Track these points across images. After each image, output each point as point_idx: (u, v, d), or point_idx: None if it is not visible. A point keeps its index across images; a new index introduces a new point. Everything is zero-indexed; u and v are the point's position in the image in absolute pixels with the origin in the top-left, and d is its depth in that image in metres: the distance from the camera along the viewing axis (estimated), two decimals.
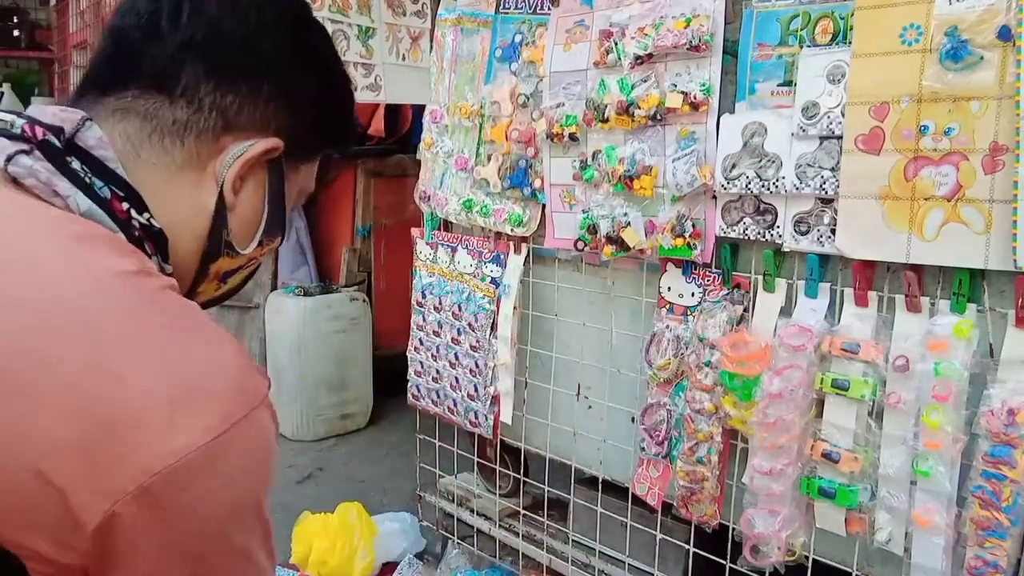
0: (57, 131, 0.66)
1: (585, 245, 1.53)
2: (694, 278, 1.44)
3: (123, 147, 0.70)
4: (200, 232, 0.74)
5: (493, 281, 1.78)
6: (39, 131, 0.65)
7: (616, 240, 1.47)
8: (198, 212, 0.73)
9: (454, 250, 1.88)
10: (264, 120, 0.74)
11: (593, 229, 1.51)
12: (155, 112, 0.71)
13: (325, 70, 0.80)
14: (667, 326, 1.47)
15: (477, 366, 1.84)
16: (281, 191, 0.79)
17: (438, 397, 1.98)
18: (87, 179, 0.66)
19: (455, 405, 1.93)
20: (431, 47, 1.94)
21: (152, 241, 0.69)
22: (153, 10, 0.71)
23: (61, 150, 0.65)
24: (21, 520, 0.55)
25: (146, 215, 0.69)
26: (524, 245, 1.74)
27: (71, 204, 0.65)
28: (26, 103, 4.59)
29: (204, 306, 0.80)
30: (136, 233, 0.68)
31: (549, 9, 1.62)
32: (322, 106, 0.80)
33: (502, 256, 1.77)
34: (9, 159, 0.64)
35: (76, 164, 0.66)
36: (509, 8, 1.73)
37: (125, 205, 0.67)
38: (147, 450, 0.56)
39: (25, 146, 0.64)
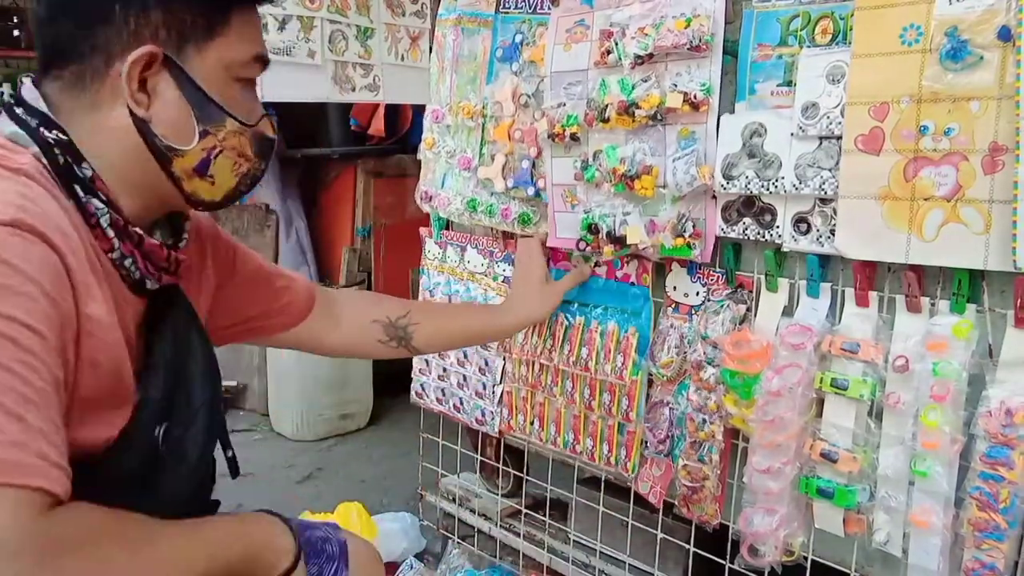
0: (11, 95, 0.93)
1: (587, 245, 1.53)
2: (699, 278, 1.44)
3: (54, 104, 0.91)
4: (140, 149, 0.93)
5: (506, 280, 1.78)
6: (8, 96, 0.93)
7: (617, 240, 1.47)
8: (124, 132, 0.92)
9: (463, 249, 1.88)
10: (134, 37, 0.89)
11: (595, 229, 1.51)
12: (61, 76, 0.91)
13: None
14: (671, 324, 1.47)
15: (487, 364, 1.85)
16: (191, 81, 0.92)
17: (443, 395, 1.98)
18: (24, 117, 0.89)
19: (461, 403, 1.93)
20: (431, 47, 1.94)
21: (66, 149, 0.89)
22: (35, 4, 0.93)
23: (10, 104, 0.91)
24: None
25: (55, 132, 0.89)
26: None
27: (3, 130, 0.89)
28: None
29: (227, 200, 1.01)
30: (56, 151, 0.88)
31: (549, 9, 1.62)
32: None
33: (512, 256, 1.77)
34: None
35: (19, 110, 0.90)
36: (509, 8, 1.73)
37: (43, 130, 0.88)
38: None
39: None
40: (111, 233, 0.91)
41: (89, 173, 0.91)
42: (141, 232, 0.94)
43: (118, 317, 0.90)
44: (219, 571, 0.89)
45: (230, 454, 1.14)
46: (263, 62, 0.99)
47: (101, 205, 0.90)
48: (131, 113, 0.91)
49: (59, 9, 0.91)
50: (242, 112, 0.97)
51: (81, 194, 0.89)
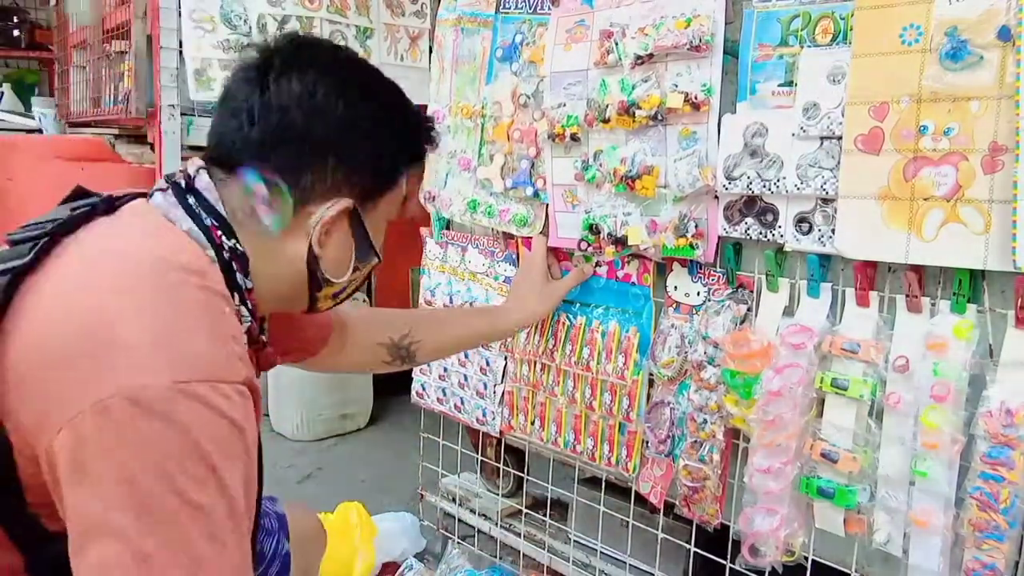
0: (187, 178, 0.94)
1: (588, 245, 1.53)
2: (699, 278, 1.44)
3: (231, 208, 0.94)
4: (301, 275, 0.99)
5: (507, 280, 1.78)
6: (179, 176, 0.95)
7: (619, 240, 1.47)
8: (296, 262, 0.98)
9: (464, 249, 1.88)
10: (335, 185, 0.96)
11: (596, 229, 1.51)
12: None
13: (379, 128, 0.99)
14: (672, 324, 1.47)
15: (488, 364, 1.85)
16: (364, 232, 1.01)
17: (444, 395, 1.98)
18: (197, 211, 0.91)
19: (462, 403, 1.93)
20: (431, 47, 1.94)
21: (238, 261, 0.93)
22: (240, 110, 0.93)
23: (184, 190, 0.93)
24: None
25: (233, 240, 0.92)
26: None
27: (179, 225, 0.90)
28: (26, 103, 4.58)
29: (326, 309, 1.08)
30: (226, 254, 0.91)
31: (549, 9, 1.62)
32: (382, 155, 0.99)
33: (514, 256, 1.77)
34: (151, 195, 0.94)
35: (191, 200, 0.92)
36: (509, 8, 1.73)
37: (219, 232, 0.91)
38: (120, 374, 0.73)
39: (164, 185, 0.94)
40: (244, 339, 0.92)
41: (249, 285, 0.95)
42: (265, 339, 1.03)
43: None
44: None
45: None
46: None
47: (247, 314, 0.95)
48: (310, 248, 0.97)
49: (275, 144, 0.93)
50: (382, 250, 1.07)
51: (236, 302, 0.93)
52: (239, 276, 0.93)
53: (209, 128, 1.00)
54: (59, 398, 0.74)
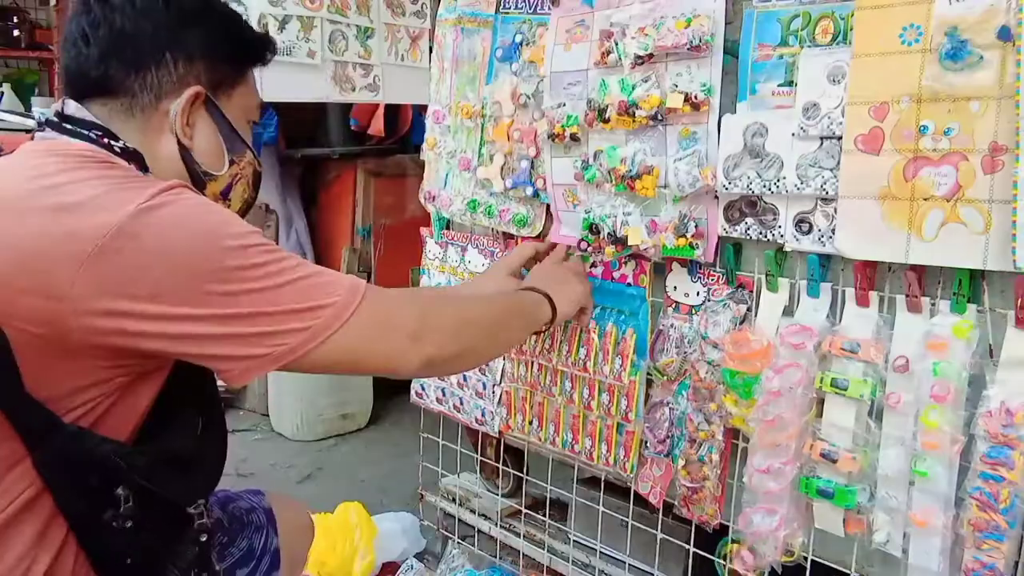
0: (56, 113, 1.03)
1: (588, 245, 1.53)
2: (699, 278, 1.44)
3: (104, 123, 1.02)
4: (182, 171, 1.07)
5: None
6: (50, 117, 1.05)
7: (619, 240, 1.47)
8: (171, 159, 1.06)
9: (464, 249, 1.88)
10: (182, 78, 1.04)
11: (596, 229, 1.51)
12: (108, 104, 1.03)
13: (204, 17, 1.08)
14: (672, 324, 1.47)
15: (487, 364, 1.84)
16: (224, 118, 1.10)
17: (443, 395, 1.98)
18: (77, 130, 1.00)
19: (461, 403, 1.93)
20: (431, 47, 1.94)
21: (133, 158, 1.01)
22: (75, 38, 1.02)
23: (57, 122, 1.02)
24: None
25: (121, 142, 1.01)
26: None
27: (71, 142, 1.00)
28: (26, 103, 4.57)
29: None
30: (123, 156, 0.99)
31: (549, 9, 1.62)
32: (216, 43, 1.07)
33: None
34: (32, 135, 1.05)
35: (69, 126, 1.01)
36: (509, 8, 1.73)
37: (106, 139, 1.00)
38: (97, 218, 0.87)
39: (38, 128, 1.04)
40: None
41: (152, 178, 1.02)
42: None
43: None
44: (521, 324, 1.36)
45: None
46: (263, 108, 1.21)
47: None
48: (178, 142, 1.05)
49: (113, 52, 1.01)
50: (255, 147, 1.17)
51: None
52: (143, 172, 1.01)
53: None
54: (60, 273, 0.85)
